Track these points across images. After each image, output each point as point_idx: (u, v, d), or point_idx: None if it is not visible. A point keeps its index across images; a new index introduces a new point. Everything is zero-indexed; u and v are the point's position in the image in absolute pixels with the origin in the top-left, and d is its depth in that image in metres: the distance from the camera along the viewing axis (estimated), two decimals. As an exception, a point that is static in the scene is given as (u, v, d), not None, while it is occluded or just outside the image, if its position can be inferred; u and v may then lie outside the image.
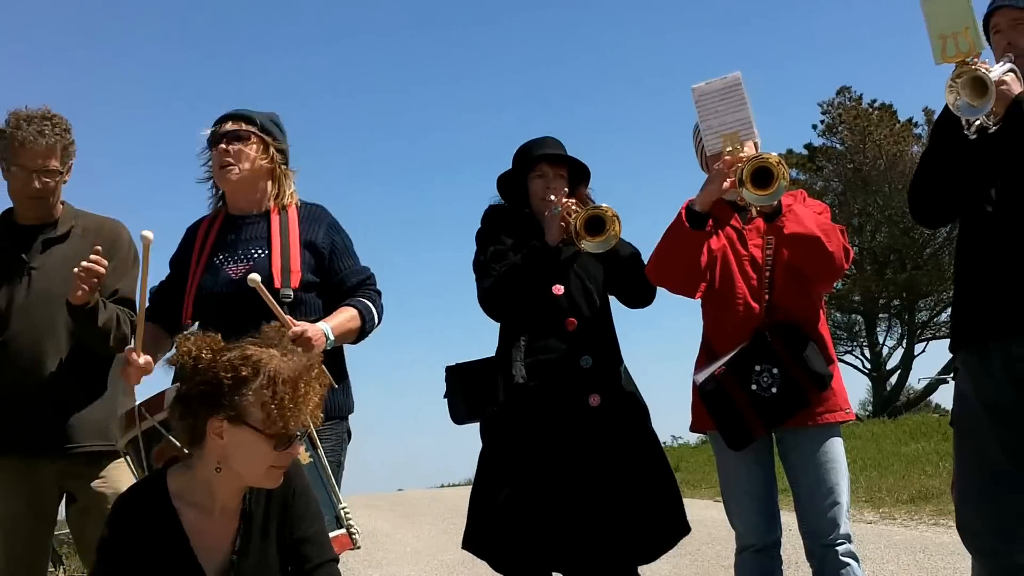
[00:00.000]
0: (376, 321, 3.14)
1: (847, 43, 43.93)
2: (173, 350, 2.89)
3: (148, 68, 50.29)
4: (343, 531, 2.77)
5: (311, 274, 3.08)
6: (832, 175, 28.88)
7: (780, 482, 3.13)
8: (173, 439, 2.47)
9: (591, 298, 3.37)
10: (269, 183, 3.17)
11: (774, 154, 2.90)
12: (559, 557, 3.20)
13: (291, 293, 2.98)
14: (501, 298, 3.33)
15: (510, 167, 3.52)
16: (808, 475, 3.03)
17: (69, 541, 7.23)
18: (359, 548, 2.83)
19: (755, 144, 3.07)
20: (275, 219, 3.11)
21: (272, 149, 3.13)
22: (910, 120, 27.63)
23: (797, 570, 3.97)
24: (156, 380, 3.01)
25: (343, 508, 2.80)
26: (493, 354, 3.39)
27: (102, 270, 3.06)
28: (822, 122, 29.02)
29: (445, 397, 3.38)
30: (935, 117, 2.92)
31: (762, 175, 2.90)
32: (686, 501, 3.42)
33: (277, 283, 2.97)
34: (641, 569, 3.34)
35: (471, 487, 3.38)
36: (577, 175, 3.48)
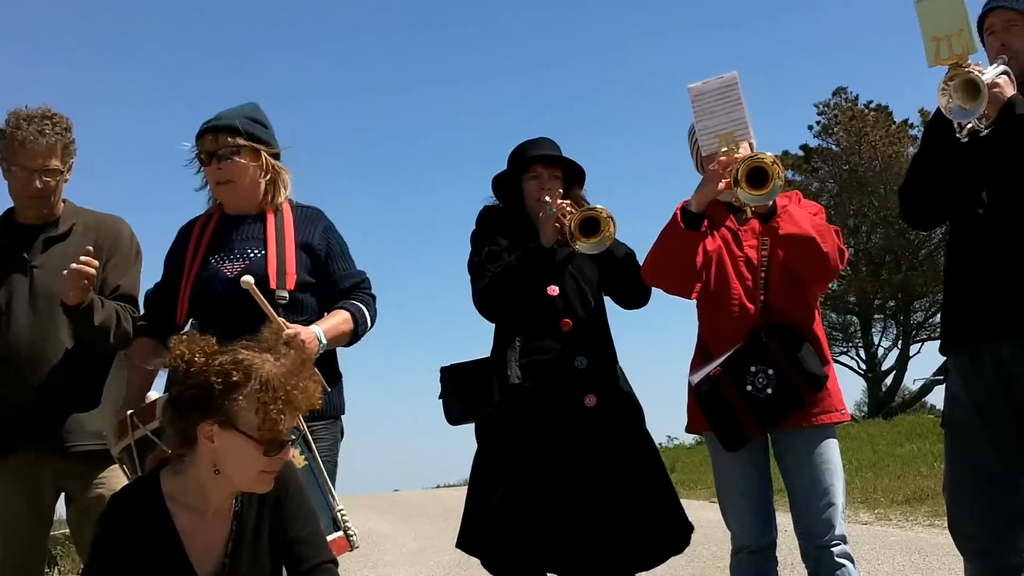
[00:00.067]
0: (369, 325, 3.13)
1: (843, 44, 44.18)
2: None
3: (148, 68, 50.34)
4: (340, 533, 2.77)
5: (307, 275, 3.07)
6: (828, 176, 28.96)
7: (775, 483, 3.13)
8: (166, 448, 2.46)
9: (586, 299, 3.37)
10: (264, 184, 3.15)
11: (769, 154, 2.90)
12: (553, 558, 3.20)
13: (286, 295, 2.96)
14: (496, 299, 3.32)
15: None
16: (803, 476, 3.03)
17: (62, 541, 7.22)
18: (357, 547, 2.82)
19: (750, 144, 3.07)
20: (271, 220, 3.09)
21: (264, 156, 3.09)
22: (906, 121, 27.73)
23: (792, 571, 3.98)
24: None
25: (340, 510, 2.80)
26: (488, 355, 3.39)
27: (92, 271, 3.05)
28: (818, 123, 29.11)
29: (440, 398, 3.38)
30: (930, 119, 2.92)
31: (757, 175, 2.90)
32: (682, 502, 3.42)
33: (272, 284, 2.96)
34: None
35: (467, 488, 3.38)
36: (572, 176, 3.48)
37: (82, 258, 3.04)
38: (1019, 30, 2.77)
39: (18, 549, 3.21)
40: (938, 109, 2.65)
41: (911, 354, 29.15)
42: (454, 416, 3.35)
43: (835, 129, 28.55)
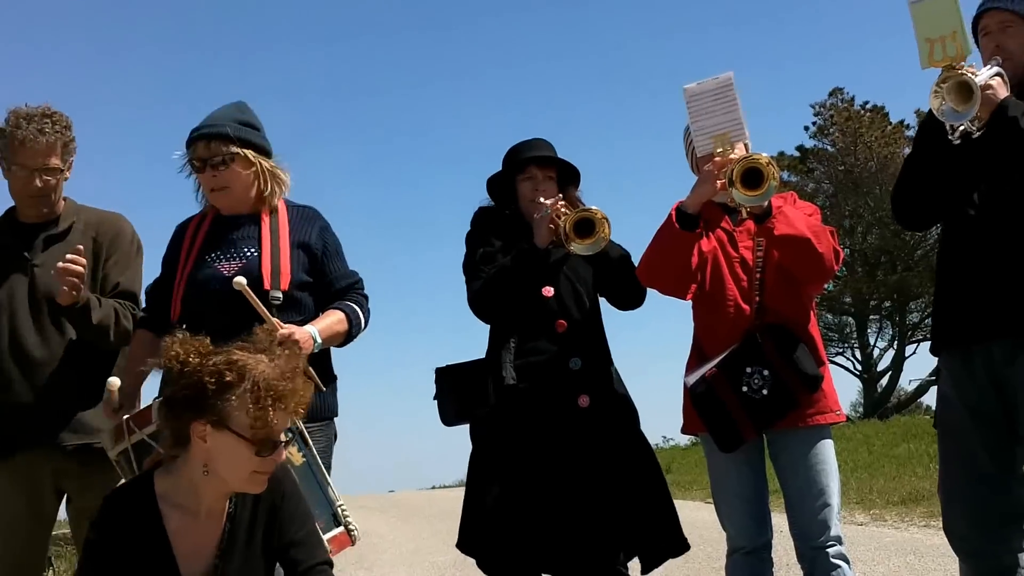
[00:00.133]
0: (363, 326, 3.13)
1: (840, 45, 44.20)
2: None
3: (149, 65, 50.30)
4: (341, 529, 2.79)
5: (304, 274, 3.07)
6: (823, 177, 28.97)
7: (771, 484, 3.13)
8: (162, 451, 2.47)
9: (581, 300, 3.37)
10: (258, 186, 3.14)
11: (764, 155, 2.90)
12: (548, 558, 3.19)
13: (280, 295, 2.96)
14: (491, 300, 3.32)
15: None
16: (799, 477, 3.03)
17: (57, 543, 7.21)
18: (359, 539, 2.84)
19: (745, 145, 3.07)
20: (265, 220, 3.09)
21: (257, 160, 3.08)
22: (902, 122, 27.75)
23: (788, 572, 3.97)
24: (150, 381, 3.03)
25: (340, 505, 2.82)
26: (483, 356, 3.39)
27: (79, 268, 3.05)
28: (814, 123, 29.13)
29: (435, 399, 3.37)
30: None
31: (752, 176, 2.89)
32: (678, 503, 3.41)
33: (267, 284, 2.96)
34: (632, 570, 3.33)
35: (464, 489, 3.37)
36: (567, 177, 3.48)
37: (68, 256, 3.04)
38: (1014, 31, 2.78)
39: (18, 549, 3.21)
40: (930, 111, 2.65)
41: (907, 355, 29.18)
42: (449, 417, 3.35)
43: (831, 130, 28.57)
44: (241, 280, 2.82)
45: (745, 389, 2.99)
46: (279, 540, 2.37)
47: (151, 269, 3.36)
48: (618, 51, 49.89)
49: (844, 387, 31.33)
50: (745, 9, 47.75)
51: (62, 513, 3.39)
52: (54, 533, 3.67)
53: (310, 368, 2.66)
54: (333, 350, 3.14)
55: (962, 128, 2.61)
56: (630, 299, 3.44)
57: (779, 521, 3.07)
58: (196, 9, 54.56)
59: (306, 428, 2.78)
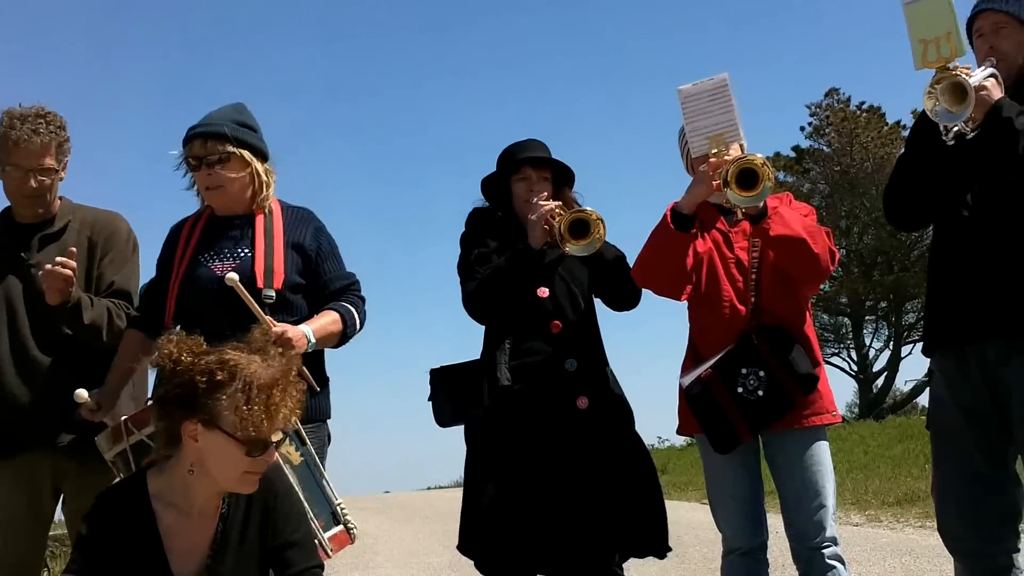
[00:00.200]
0: (358, 327, 3.13)
1: (836, 46, 44.17)
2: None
3: (146, 66, 50.25)
4: (341, 527, 2.81)
5: (297, 276, 3.07)
6: (819, 177, 28.97)
7: (766, 485, 3.13)
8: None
9: (576, 301, 3.37)
10: (253, 187, 3.14)
11: (759, 156, 2.90)
12: (544, 559, 3.19)
13: (273, 294, 2.96)
14: (485, 301, 3.32)
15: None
16: (794, 478, 3.03)
17: (53, 543, 7.20)
18: (356, 537, 2.86)
19: (741, 146, 3.07)
20: (259, 220, 3.09)
21: (253, 161, 3.08)
22: (898, 123, 27.73)
23: (783, 573, 3.97)
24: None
25: (339, 504, 2.83)
26: (478, 357, 3.38)
27: (68, 272, 3.05)
28: (810, 124, 29.14)
29: (430, 400, 3.37)
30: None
31: (747, 177, 2.89)
32: (674, 503, 3.42)
33: (260, 283, 2.95)
34: (628, 571, 3.33)
35: (462, 490, 3.37)
36: (561, 178, 3.48)
37: (57, 259, 3.05)
38: (1008, 32, 2.78)
39: (20, 549, 3.21)
40: (923, 111, 2.65)
41: (903, 355, 29.18)
42: (444, 418, 3.35)
43: (827, 130, 28.57)
44: (233, 276, 2.82)
45: (741, 390, 2.99)
46: (273, 540, 2.37)
47: (148, 268, 3.37)
48: (617, 50, 49.89)
49: (840, 388, 31.34)
50: (743, 9, 47.79)
51: (58, 514, 3.39)
52: (53, 533, 3.67)
53: (304, 368, 2.66)
54: (327, 351, 3.14)
55: (956, 129, 2.61)
56: (625, 300, 3.44)
57: (775, 522, 3.07)
58: (193, 8, 54.54)
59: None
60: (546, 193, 3.39)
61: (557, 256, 3.35)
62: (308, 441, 2.81)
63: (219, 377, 2.18)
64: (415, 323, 47.24)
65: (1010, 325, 2.68)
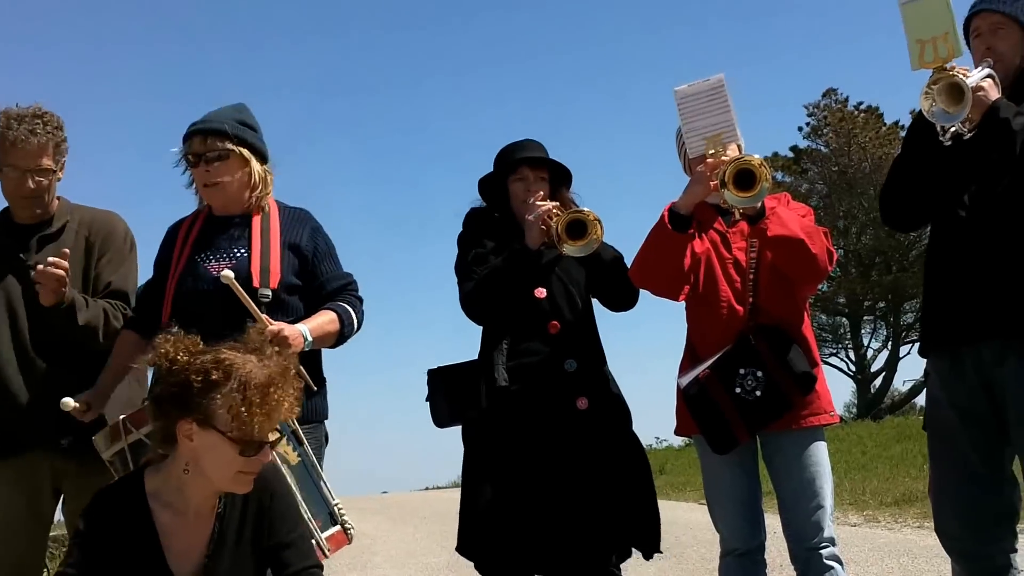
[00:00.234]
0: (355, 327, 3.12)
1: (834, 46, 44.14)
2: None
3: (144, 64, 50.20)
4: (338, 528, 2.81)
5: (294, 276, 3.06)
6: (817, 177, 28.99)
7: (764, 485, 3.13)
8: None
9: (573, 301, 3.36)
10: (251, 186, 3.14)
11: (757, 156, 2.90)
12: (542, 559, 3.19)
13: (269, 293, 2.96)
14: (483, 301, 3.32)
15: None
16: (792, 478, 3.03)
17: (51, 543, 7.20)
18: (353, 537, 2.86)
19: (738, 146, 3.07)
20: (256, 220, 3.09)
21: (252, 160, 3.07)
22: (896, 123, 27.73)
23: (781, 573, 3.97)
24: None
25: (336, 504, 2.83)
26: (476, 357, 3.38)
27: (61, 272, 3.05)
28: (808, 124, 29.14)
29: (427, 400, 3.37)
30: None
31: (745, 177, 2.89)
32: (671, 504, 3.42)
33: (256, 282, 2.95)
34: (625, 571, 3.33)
35: (460, 490, 3.37)
36: (559, 178, 3.47)
37: (49, 259, 3.05)
38: (1005, 33, 2.78)
39: (20, 549, 3.20)
40: (920, 112, 2.65)
41: (901, 355, 29.18)
42: (441, 418, 3.34)
43: (825, 130, 28.58)
44: (229, 274, 2.82)
45: (738, 390, 2.98)
46: (269, 540, 2.36)
47: (145, 266, 3.37)
48: (616, 48, 49.90)
49: (838, 388, 31.38)
50: (743, 7, 47.74)
51: (58, 515, 3.39)
52: (53, 534, 3.67)
53: (301, 368, 2.65)
54: (325, 351, 3.13)
55: (953, 129, 2.61)
56: (623, 300, 3.44)
57: (772, 522, 3.07)
58: (192, 5, 54.47)
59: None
60: (543, 193, 3.39)
61: (554, 256, 3.35)
62: (305, 441, 2.81)
63: (214, 376, 2.18)
64: (414, 322, 47.19)
65: (1006, 326, 2.68)
